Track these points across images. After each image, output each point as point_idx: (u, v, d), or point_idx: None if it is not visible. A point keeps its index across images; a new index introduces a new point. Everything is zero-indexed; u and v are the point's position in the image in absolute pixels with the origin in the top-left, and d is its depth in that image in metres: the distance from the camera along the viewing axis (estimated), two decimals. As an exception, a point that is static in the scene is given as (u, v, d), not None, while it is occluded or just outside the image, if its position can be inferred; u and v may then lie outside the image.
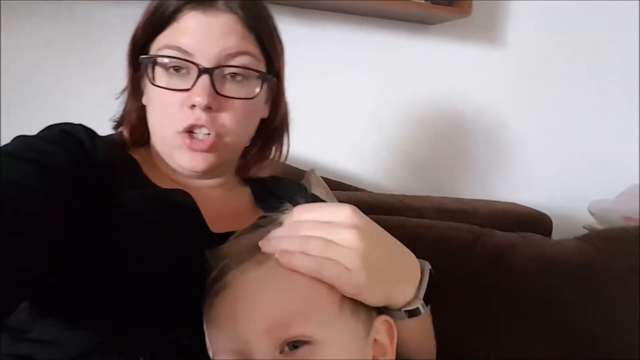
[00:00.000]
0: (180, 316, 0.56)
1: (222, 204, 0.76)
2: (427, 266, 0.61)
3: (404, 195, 1.31)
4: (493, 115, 1.60)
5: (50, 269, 0.54)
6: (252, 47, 0.71)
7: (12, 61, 1.24)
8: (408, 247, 1.04)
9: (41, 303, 0.56)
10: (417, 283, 0.58)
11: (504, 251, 1.02)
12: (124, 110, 0.79)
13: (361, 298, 0.52)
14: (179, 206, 0.66)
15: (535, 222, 1.28)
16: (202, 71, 0.67)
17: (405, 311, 0.56)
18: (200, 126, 0.69)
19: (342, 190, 1.28)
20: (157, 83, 0.70)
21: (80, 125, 0.72)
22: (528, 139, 1.64)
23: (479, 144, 1.62)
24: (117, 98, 0.80)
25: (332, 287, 0.50)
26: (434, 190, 1.54)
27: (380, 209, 1.17)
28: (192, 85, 0.68)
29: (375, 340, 0.54)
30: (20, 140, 0.65)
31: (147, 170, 0.73)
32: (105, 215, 0.62)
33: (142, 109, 0.76)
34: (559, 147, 1.64)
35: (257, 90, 0.72)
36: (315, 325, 0.49)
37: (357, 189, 1.42)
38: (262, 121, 0.78)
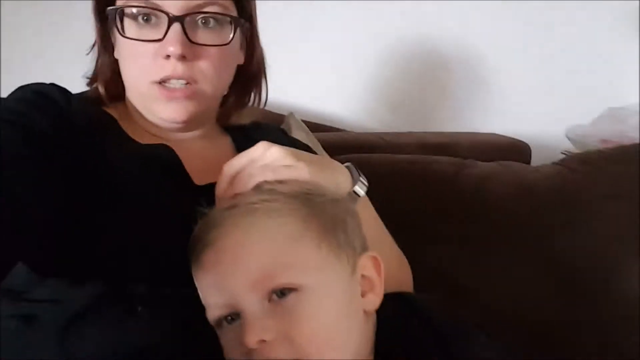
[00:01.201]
0: (174, 268, 0.57)
1: (204, 155, 0.76)
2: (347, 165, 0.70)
3: (385, 132, 1.31)
4: (469, 47, 1.59)
5: (43, 229, 0.55)
6: None
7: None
8: (392, 182, 1.07)
9: (41, 264, 0.57)
10: (347, 172, 0.68)
11: (485, 180, 1.04)
12: (96, 65, 0.77)
13: (315, 176, 0.59)
14: (162, 161, 0.67)
15: (514, 150, 1.31)
16: (172, 19, 0.66)
17: (354, 192, 0.66)
18: (178, 77, 0.68)
19: (322, 131, 1.28)
20: (127, 35, 0.68)
21: (52, 84, 0.71)
22: (504, 69, 1.63)
23: (457, 78, 1.62)
24: (87, 53, 0.78)
25: (307, 236, 0.53)
26: (415, 127, 1.55)
27: (362, 147, 1.18)
28: (164, 35, 0.66)
29: (362, 276, 0.56)
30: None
31: (125, 126, 0.72)
32: (89, 174, 0.62)
33: (115, 63, 0.74)
34: (535, 75, 1.64)
35: (231, 35, 0.70)
36: (299, 272, 0.51)
37: (338, 130, 1.42)
38: (239, 67, 0.77)
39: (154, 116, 0.72)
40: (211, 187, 0.66)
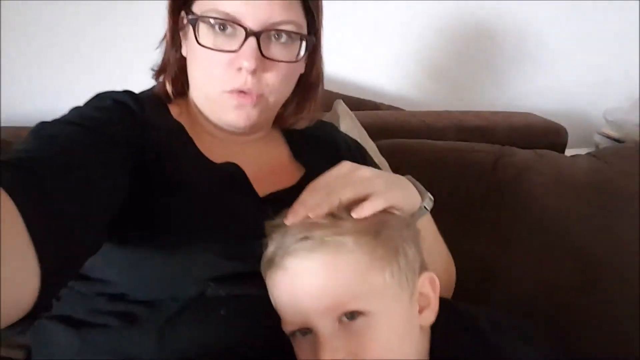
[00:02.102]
0: (247, 272, 0.64)
1: (261, 160, 0.80)
2: (408, 177, 0.73)
3: (424, 112, 1.34)
4: (513, 22, 1.58)
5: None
6: (298, 13, 0.71)
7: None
8: (431, 170, 1.12)
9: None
10: (414, 187, 0.71)
11: (523, 172, 1.08)
12: (164, 60, 0.80)
13: (392, 202, 0.63)
14: (232, 179, 0.72)
15: (551, 134, 1.33)
16: (249, 34, 0.68)
17: (423, 207, 0.70)
18: (247, 90, 0.71)
19: (363, 109, 1.30)
20: (203, 42, 0.70)
21: (126, 92, 0.75)
22: (548, 45, 1.62)
23: (499, 52, 1.61)
24: (156, 48, 0.81)
25: (374, 267, 0.58)
26: (455, 98, 1.57)
27: (402, 130, 1.22)
28: (239, 48, 0.68)
29: (420, 293, 0.62)
30: (76, 111, 0.69)
31: (191, 133, 0.76)
32: (160, 187, 0.67)
33: (182, 60, 0.78)
34: (579, 53, 1.63)
35: (302, 53, 0.73)
36: (367, 300, 0.56)
37: (376, 105, 1.45)
38: (299, 76, 0.79)
39: (219, 119, 0.76)
40: (272, 198, 0.73)
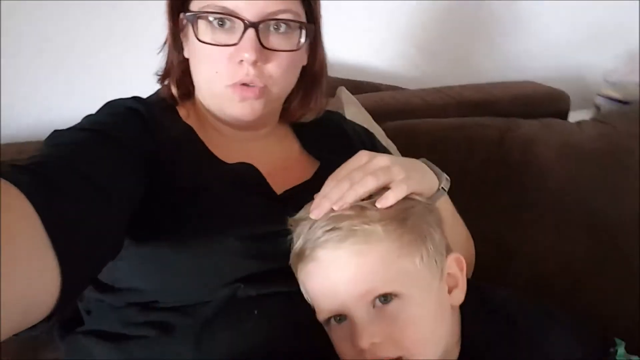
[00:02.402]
0: (275, 270, 0.65)
1: (274, 156, 0.80)
2: (424, 160, 0.74)
3: (424, 90, 1.33)
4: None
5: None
6: (294, 1, 0.71)
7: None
8: (439, 150, 1.11)
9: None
10: (430, 169, 0.72)
11: (531, 144, 1.07)
12: (167, 63, 0.80)
13: (413, 188, 0.63)
14: (247, 179, 0.72)
15: (554, 100, 1.33)
16: (247, 25, 0.68)
17: (441, 189, 0.71)
18: (249, 82, 0.71)
19: (362, 92, 1.29)
20: (202, 38, 0.70)
21: (135, 98, 0.75)
22: (539, 8, 1.60)
23: (491, 20, 1.59)
24: (159, 52, 0.80)
25: (403, 253, 0.59)
26: (451, 73, 1.55)
27: (405, 111, 1.21)
28: (239, 40, 0.68)
29: (448, 274, 0.63)
30: (88, 118, 0.70)
31: (202, 134, 0.76)
32: (174, 192, 0.67)
33: (185, 62, 0.77)
34: (573, 15, 1.61)
35: (302, 41, 0.73)
36: (399, 283, 0.58)
37: (376, 86, 1.43)
38: (302, 68, 0.79)
39: (225, 114, 0.76)
40: (289, 193, 0.73)
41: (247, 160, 0.75)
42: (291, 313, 0.64)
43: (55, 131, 0.65)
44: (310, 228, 0.61)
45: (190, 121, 0.78)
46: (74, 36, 1.23)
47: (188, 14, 0.72)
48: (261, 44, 0.69)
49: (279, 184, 0.74)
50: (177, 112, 0.79)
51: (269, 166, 0.76)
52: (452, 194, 0.79)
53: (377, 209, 0.60)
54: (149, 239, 0.65)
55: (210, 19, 0.70)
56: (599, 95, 1.54)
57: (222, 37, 0.70)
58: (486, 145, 1.09)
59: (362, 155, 0.66)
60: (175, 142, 0.73)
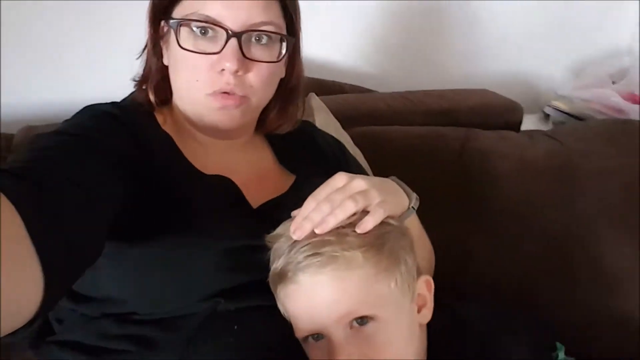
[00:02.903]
0: (252, 283, 0.67)
1: (250, 168, 0.81)
2: (394, 179, 0.76)
3: (390, 95, 1.36)
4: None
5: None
6: (277, 14, 0.73)
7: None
8: (402, 160, 1.15)
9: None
10: (401, 189, 0.74)
11: (488, 156, 1.14)
12: (145, 69, 0.80)
13: (388, 211, 0.66)
14: (225, 192, 0.73)
15: (508, 112, 1.39)
16: (231, 35, 0.69)
17: (411, 208, 0.74)
18: (230, 90, 0.72)
19: (326, 92, 1.31)
20: (184, 46, 0.71)
21: (113, 104, 0.75)
22: (499, 14, 1.66)
23: (453, 19, 1.64)
24: (137, 58, 0.80)
25: (380, 278, 0.62)
26: (414, 70, 1.60)
27: (371, 117, 1.24)
28: (221, 49, 0.69)
29: (418, 294, 0.67)
30: (67, 123, 0.70)
31: (175, 136, 0.76)
32: (154, 201, 0.67)
33: (164, 69, 0.77)
34: (530, 21, 1.67)
35: (283, 52, 0.74)
36: (376, 306, 0.61)
37: (340, 85, 1.45)
38: (280, 81, 0.80)
39: (203, 122, 0.76)
40: (266, 207, 0.75)
41: (224, 170, 0.76)
42: (270, 327, 0.66)
43: (36, 135, 0.65)
44: (291, 250, 0.62)
45: (168, 128, 0.78)
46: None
47: (171, 20, 0.72)
48: (243, 54, 0.70)
49: (255, 197, 0.76)
50: (154, 118, 0.79)
51: (245, 177, 0.77)
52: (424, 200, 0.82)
53: (357, 235, 0.63)
54: (129, 247, 0.66)
55: (194, 27, 0.70)
56: (549, 105, 1.63)
57: (204, 45, 0.71)
58: (448, 155, 1.14)
59: (341, 177, 0.68)
60: (154, 149, 0.73)
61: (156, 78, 0.79)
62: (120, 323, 0.66)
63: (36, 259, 0.46)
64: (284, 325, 0.65)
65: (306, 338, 0.64)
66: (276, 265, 0.64)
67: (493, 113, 1.37)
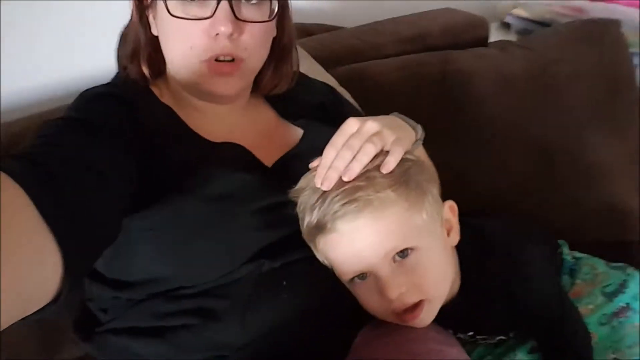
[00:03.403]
0: (287, 237, 0.69)
1: (256, 129, 0.82)
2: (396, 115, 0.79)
3: (361, 29, 1.35)
4: None
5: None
6: None
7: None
8: (387, 94, 1.16)
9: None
10: (407, 125, 0.77)
11: (469, 79, 1.16)
12: (134, 42, 0.77)
13: (405, 148, 0.69)
14: (238, 158, 0.73)
15: (476, 28, 1.40)
16: None
17: (418, 140, 0.77)
18: (225, 55, 0.71)
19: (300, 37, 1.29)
20: (174, 13, 0.69)
21: (109, 84, 0.74)
22: None
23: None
24: (122, 31, 0.78)
25: (413, 211, 0.66)
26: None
27: (348, 55, 1.24)
28: (213, 13, 0.68)
29: (445, 220, 0.71)
30: (71, 109, 0.69)
31: (175, 107, 0.76)
32: (163, 175, 0.68)
33: (154, 39, 0.75)
34: None
35: (275, 9, 0.73)
36: (413, 238, 0.65)
37: (305, 28, 1.42)
38: (272, 41, 0.79)
39: (200, 91, 0.75)
40: (280, 164, 0.76)
41: (230, 136, 0.76)
42: (315, 276, 0.69)
43: (45, 122, 0.64)
44: (324, 202, 0.65)
45: (167, 101, 0.77)
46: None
47: None
48: (235, 15, 0.68)
49: (267, 156, 0.77)
50: (152, 93, 0.77)
51: (253, 139, 0.78)
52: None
53: (383, 175, 0.65)
54: (161, 225, 0.67)
55: None
56: (510, 14, 1.65)
57: (194, 10, 0.69)
58: (430, 83, 1.16)
59: (353, 122, 0.69)
60: (159, 124, 0.72)
61: (147, 50, 0.76)
62: (170, 300, 0.68)
63: (50, 237, 0.47)
64: (326, 272, 0.69)
65: (351, 280, 0.68)
66: (310, 219, 0.66)
67: (461, 31, 1.37)
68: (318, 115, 0.86)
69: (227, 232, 0.68)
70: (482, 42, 1.39)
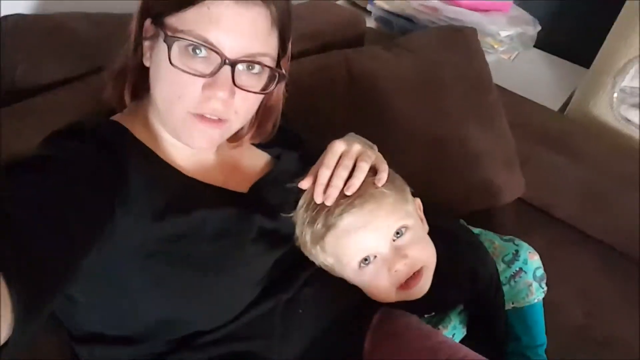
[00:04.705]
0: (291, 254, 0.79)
1: (223, 158, 0.86)
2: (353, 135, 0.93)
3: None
4: None
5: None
6: (273, 45, 0.73)
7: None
8: (301, 100, 1.22)
9: None
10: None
11: (373, 78, 1.28)
12: (123, 64, 0.75)
13: (383, 161, 0.83)
14: (215, 192, 0.79)
15: (358, 22, 1.50)
16: (226, 63, 0.68)
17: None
18: (214, 114, 0.72)
19: None
20: (175, 63, 0.67)
21: (77, 129, 0.71)
22: None
23: None
24: (119, 51, 0.75)
25: (402, 200, 0.82)
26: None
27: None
28: (213, 74, 0.68)
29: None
30: (40, 154, 0.65)
31: (147, 141, 0.77)
32: (151, 215, 0.70)
33: (143, 68, 0.74)
34: None
35: (272, 87, 0.75)
36: (406, 218, 0.81)
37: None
38: None
39: (178, 138, 0.75)
40: (253, 190, 0.83)
41: (201, 167, 0.80)
42: (326, 286, 0.80)
43: (13, 165, 0.60)
44: (327, 213, 0.77)
45: (142, 136, 0.76)
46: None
47: (171, 35, 0.67)
48: (234, 81, 0.69)
49: (241, 183, 0.83)
50: (128, 132, 0.75)
51: (224, 169, 0.83)
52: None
53: (375, 185, 0.80)
54: (163, 269, 0.69)
55: (187, 45, 0.67)
56: (372, 3, 1.79)
57: (194, 64, 0.68)
58: (340, 85, 1.25)
59: (339, 144, 0.80)
60: (137, 166, 0.72)
61: (134, 76, 0.74)
62: (196, 349, 0.71)
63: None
64: (332, 278, 0.80)
65: (358, 268, 0.80)
66: (316, 224, 0.78)
67: (345, 27, 1.46)
68: (276, 136, 0.91)
69: (235, 265, 0.73)
70: (361, 38, 1.50)
